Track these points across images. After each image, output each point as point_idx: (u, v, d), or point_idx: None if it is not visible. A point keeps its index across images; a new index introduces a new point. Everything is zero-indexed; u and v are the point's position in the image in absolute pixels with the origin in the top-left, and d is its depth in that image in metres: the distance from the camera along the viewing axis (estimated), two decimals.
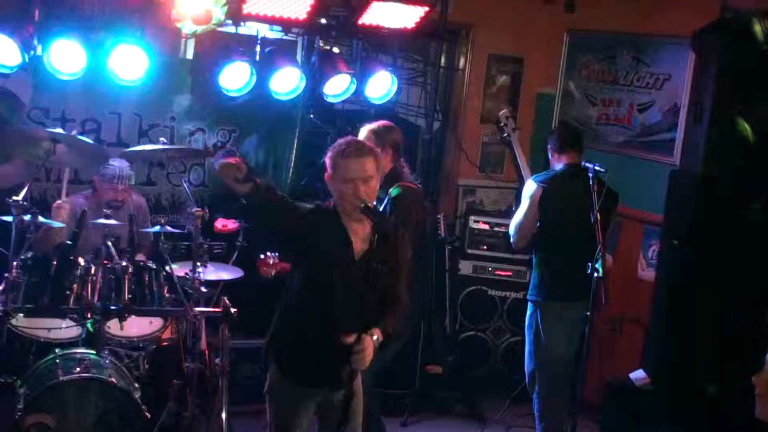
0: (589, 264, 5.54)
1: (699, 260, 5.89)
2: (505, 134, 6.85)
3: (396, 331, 5.26)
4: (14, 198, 5.12)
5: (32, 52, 5.72)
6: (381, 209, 5.09)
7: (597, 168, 5.66)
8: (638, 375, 6.22)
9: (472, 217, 7.32)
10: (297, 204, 4.27)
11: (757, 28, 5.31)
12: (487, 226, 7.22)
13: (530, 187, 5.97)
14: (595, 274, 5.46)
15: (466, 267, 7.23)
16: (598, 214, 5.55)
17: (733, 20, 5.70)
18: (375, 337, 3.99)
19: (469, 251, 7.26)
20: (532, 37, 7.86)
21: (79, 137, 5.76)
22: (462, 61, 7.86)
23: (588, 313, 5.49)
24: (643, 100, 7.10)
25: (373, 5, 6.33)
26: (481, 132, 7.91)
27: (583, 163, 5.76)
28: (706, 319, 5.77)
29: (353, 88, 6.60)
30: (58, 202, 5.71)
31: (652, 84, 7.02)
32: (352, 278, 4.13)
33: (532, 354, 6.07)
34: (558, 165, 6.07)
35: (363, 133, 5.47)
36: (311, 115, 7.32)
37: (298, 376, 4.26)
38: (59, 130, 5.94)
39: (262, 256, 5.50)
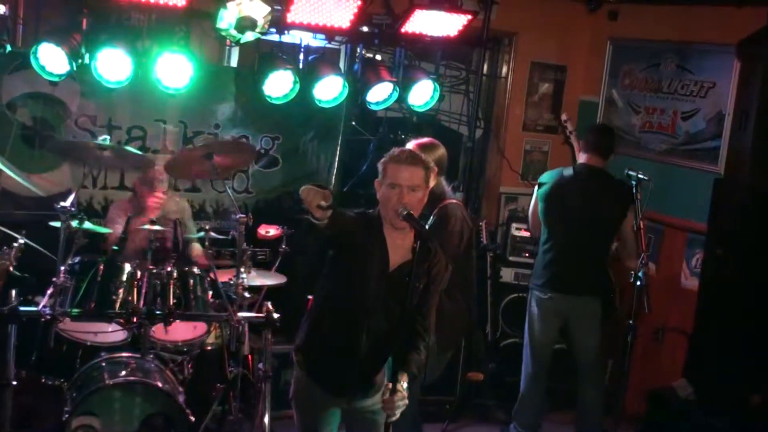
0: (595, 260, 6.07)
1: (743, 270, 5.85)
2: (568, 136, 7.08)
3: (446, 344, 5.36)
4: (62, 204, 5.19)
5: (80, 61, 5.80)
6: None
7: (640, 176, 5.71)
8: (681, 385, 6.20)
9: (514, 225, 7.31)
10: (343, 213, 4.31)
11: None
12: (528, 234, 7.21)
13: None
14: (638, 283, 5.51)
15: (507, 274, 7.22)
16: (642, 223, 5.60)
17: None
18: (404, 384, 3.95)
19: (510, 258, 7.26)
20: (575, 45, 7.86)
21: (125, 147, 5.85)
22: (504, 68, 7.87)
23: (608, 315, 5.63)
24: (686, 108, 7.05)
25: (416, 13, 6.36)
26: (523, 140, 7.92)
27: (626, 171, 5.83)
28: (750, 330, 5.73)
29: (396, 95, 6.61)
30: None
31: (696, 92, 6.97)
32: (382, 288, 4.15)
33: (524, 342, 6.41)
34: (577, 162, 6.29)
35: (409, 147, 5.48)
36: (353, 123, 7.36)
37: (323, 383, 4.29)
38: (105, 137, 6.05)
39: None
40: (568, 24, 7.78)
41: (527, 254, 7.21)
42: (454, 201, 5.49)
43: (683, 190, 6.89)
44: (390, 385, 3.93)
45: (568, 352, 6.47)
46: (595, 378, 6.27)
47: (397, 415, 3.97)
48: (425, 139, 5.58)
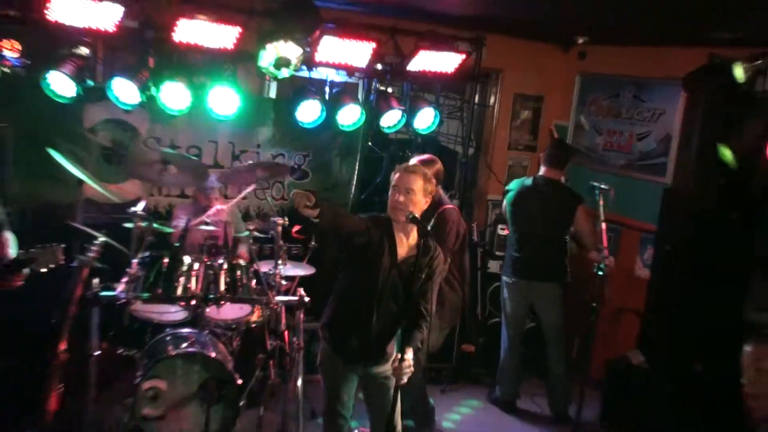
0: (551, 251, 6.26)
1: (685, 262, 5.89)
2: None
3: (446, 321, 5.41)
4: (134, 209, 5.26)
5: (148, 92, 5.84)
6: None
7: (602, 186, 5.77)
8: (635, 354, 6.25)
9: (499, 226, 7.32)
10: (357, 216, 4.38)
11: (738, 72, 5.30)
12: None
13: None
14: (599, 273, 5.57)
15: (494, 266, 7.24)
16: (603, 224, 5.65)
17: (719, 65, 5.71)
18: (410, 356, 4.06)
19: (496, 253, 7.27)
20: (551, 79, 7.88)
21: (185, 155, 5.89)
22: (492, 98, 7.88)
23: (595, 304, 5.62)
24: (641, 131, 7.09)
25: (420, 53, 6.40)
26: (507, 157, 7.95)
27: (591, 182, 5.88)
28: (690, 310, 5.76)
29: (404, 120, 6.67)
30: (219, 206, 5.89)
31: (649, 117, 7.01)
32: (392, 277, 4.24)
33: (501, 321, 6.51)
34: (537, 173, 6.36)
35: (413, 161, 5.54)
36: (369, 143, 7.41)
37: (344, 354, 4.37)
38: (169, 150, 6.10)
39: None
40: (545, 62, 7.80)
41: None
42: (450, 206, 5.56)
43: (638, 197, 6.92)
44: (399, 356, 4.02)
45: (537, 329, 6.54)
46: (557, 350, 6.33)
47: (405, 380, 4.05)
48: (425, 156, 5.64)
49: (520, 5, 5.96)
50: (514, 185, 6.42)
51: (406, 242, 4.30)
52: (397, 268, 4.24)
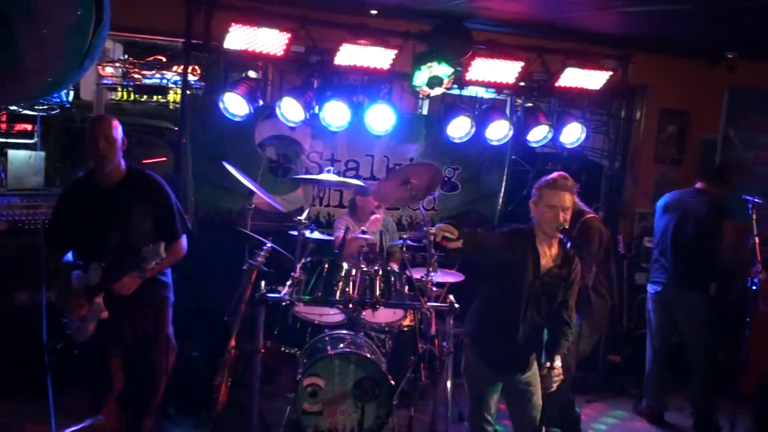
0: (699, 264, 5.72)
1: None
2: None
3: (594, 329, 5.17)
4: (298, 218, 5.31)
5: (311, 111, 5.94)
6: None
7: (756, 200, 5.35)
8: None
9: (646, 238, 6.97)
10: (494, 233, 4.21)
11: None
12: None
13: None
14: (753, 288, 5.16)
15: (640, 278, 6.87)
16: (757, 239, 5.22)
17: None
18: (558, 363, 4.00)
19: (643, 265, 6.90)
20: (697, 93, 7.39)
21: (344, 179, 5.92)
22: (638, 113, 7.52)
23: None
24: None
25: (568, 71, 6.21)
26: (653, 170, 7.53)
27: (743, 196, 5.47)
28: None
29: (550, 135, 6.46)
30: (376, 216, 5.87)
31: None
32: (535, 288, 4.07)
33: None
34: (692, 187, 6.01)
35: (553, 176, 5.33)
36: (513, 157, 7.22)
37: (488, 362, 4.22)
38: (330, 168, 6.14)
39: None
40: (691, 76, 7.33)
41: None
42: (593, 215, 5.30)
43: None
44: (548, 364, 3.93)
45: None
46: (701, 376, 5.87)
47: (554, 388, 3.91)
48: (558, 173, 5.40)
49: (669, 24, 5.66)
50: (666, 197, 6.04)
51: (548, 254, 4.12)
52: (541, 279, 4.08)
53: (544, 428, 4.13)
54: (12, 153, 5.75)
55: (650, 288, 6.04)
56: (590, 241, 5.13)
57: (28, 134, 5.89)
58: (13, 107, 5.65)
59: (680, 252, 5.83)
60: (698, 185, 5.91)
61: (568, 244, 3.96)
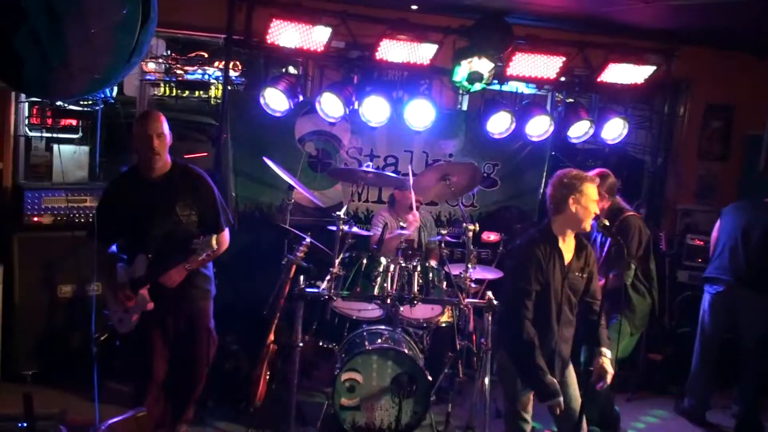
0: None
1: None
2: None
3: (635, 326, 5.16)
4: (337, 213, 5.33)
5: (351, 106, 5.97)
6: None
7: None
8: None
9: (689, 235, 6.88)
10: (525, 268, 4.08)
11: None
12: (701, 243, 6.76)
13: None
14: None
15: (683, 275, 6.78)
16: None
17: None
18: (610, 356, 4.07)
19: (685, 263, 6.81)
20: (742, 88, 7.24)
21: (383, 172, 5.93)
22: (682, 109, 7.39)
23: None
24: None
25: (610, 66, 6.16)
26: (697, 166, 7.42)
27: None
28: None
29: (592, 131, 6.40)
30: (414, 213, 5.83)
31: None
32: (564, 287, 4.11)
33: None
34: None
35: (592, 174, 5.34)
36: (553, 153, 7.17)
37: None
38: (369, 163, 6.18)
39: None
40: (737, 71, 7.17)
41: (700, 260, 6.74)
42: (632, 213, 5.26)
43: None
44: (601, 359, 4.05)
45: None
46: (751, 374, 5.78)
47: (609, 380, 4.00)
48: (600, 170, 5.35)
49: (715, 17, 5.56)
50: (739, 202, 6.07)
51: (568, 249, 4.16)
52: (567, 278, 4.10)
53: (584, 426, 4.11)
54: (57, 148, 5.88)
55: (709, 288, 5.93)
56: (630, 238, 5.09)
57: (73, 129, 6.01)
58: (59, 102, 5.77)
59: (749, 255, 5.71)
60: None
61: (607, 243, 3.98)
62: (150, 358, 4.48)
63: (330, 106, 5.88)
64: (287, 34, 5.62)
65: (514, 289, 4.10)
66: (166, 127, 4.33)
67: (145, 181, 4.37)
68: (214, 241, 4.24)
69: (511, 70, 6.06)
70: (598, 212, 4.09)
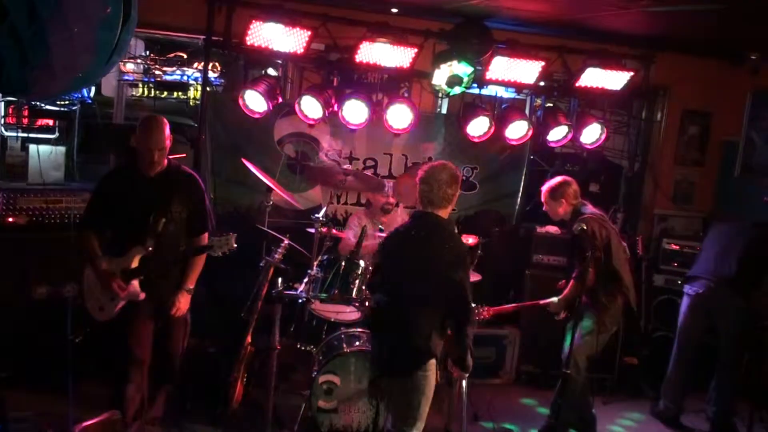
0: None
1: None
2: None
3: (610, 324, 5.19)
4: (315, 215, 5.36)
5: (330, 109, 5.98)
6: None
7: None
8: None
9: (665, 240, 6.96)
10: None
11: None
12: (677, 247, 6.85)
13: None
14: None
15: (659, 280, 6.85)
16: None
17: None
18: None
19: (662, 267, 6.88)
20: (720, 95, 7.35)
21: (362, 171, 5.95)
22: (659, 114, 7.47)
23: None
24: None
25: (588, 71, 6.22)
26: (674, 171, 7.51)
27: (764, 198, 5.48)
28: None
29: (570, 135, 6.46)
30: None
31: None
32: None
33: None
34: None
35: (545, 187, 5.47)
36: (532, 157, 7.23)
37: None
38: (347, 165, 6.20)
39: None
40: (714, 78, 7.27)
41: (676, 264, 6.83)
42: (588, 215, 5.25)
43: None
44: None
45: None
46: (727, 374, 5.87)
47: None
48: (561, 178, 5.42)
49: (692, 24, 5.65)
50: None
51: None
52: None
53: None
54: (35, 148, 5.85)
55: (689, 289, 6.02)
56: (582, 241, 5.09)
57: (49, 129, 5.98)
58: (36, 102, 5.75)
59: (731, 260, 5.81)
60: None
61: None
62: (134, 343, 4.51)
63: (309, 108, 5.89)
64: (267, 35, 5.63)
65: None
66: (167, 138, 4.47)
67: (143, 176, 4.50)
68: (233, 240, 4.39)
69: (490, 74, 6.09)
70: None
